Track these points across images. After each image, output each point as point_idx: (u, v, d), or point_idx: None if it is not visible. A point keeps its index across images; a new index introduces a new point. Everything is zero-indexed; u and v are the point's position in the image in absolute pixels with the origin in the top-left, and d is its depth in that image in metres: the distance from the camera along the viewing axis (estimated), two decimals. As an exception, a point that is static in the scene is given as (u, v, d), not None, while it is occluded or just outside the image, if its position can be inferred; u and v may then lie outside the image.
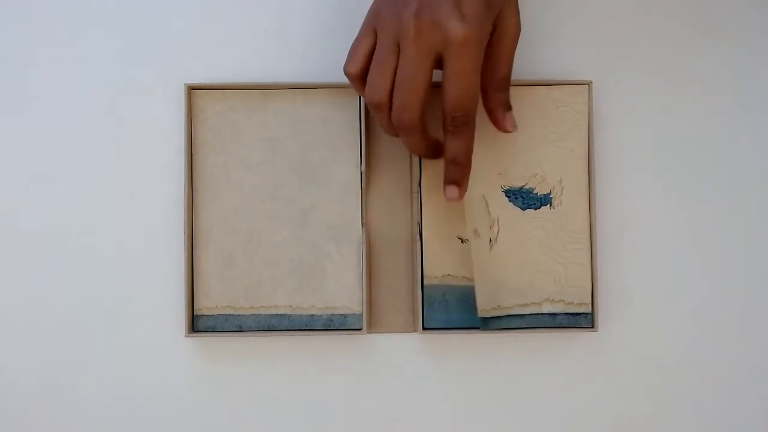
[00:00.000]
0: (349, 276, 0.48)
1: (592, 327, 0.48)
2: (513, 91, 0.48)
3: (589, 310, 0.48)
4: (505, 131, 0.45)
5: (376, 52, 0.41)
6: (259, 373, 0.49)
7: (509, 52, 0.43)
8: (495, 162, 0.49)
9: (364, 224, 0.49)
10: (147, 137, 0.50)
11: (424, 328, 0.48)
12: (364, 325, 0.47)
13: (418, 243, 0.48)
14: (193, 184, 0.48)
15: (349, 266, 0.48)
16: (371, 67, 0.42)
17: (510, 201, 0.49)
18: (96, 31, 0.50)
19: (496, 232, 0.48)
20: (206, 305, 0.48)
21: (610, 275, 0.50)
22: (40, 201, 0.49)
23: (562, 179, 0.49)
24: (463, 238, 0.48)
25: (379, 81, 0.41)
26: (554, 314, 0.48)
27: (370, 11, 0.43)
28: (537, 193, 0.49)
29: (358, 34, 0.43)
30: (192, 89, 0.49)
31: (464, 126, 0.41)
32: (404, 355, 0.49)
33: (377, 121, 0.43)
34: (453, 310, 0.48)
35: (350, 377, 0.49)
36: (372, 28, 0.42)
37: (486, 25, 0.39)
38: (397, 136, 0.43)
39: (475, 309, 0.47)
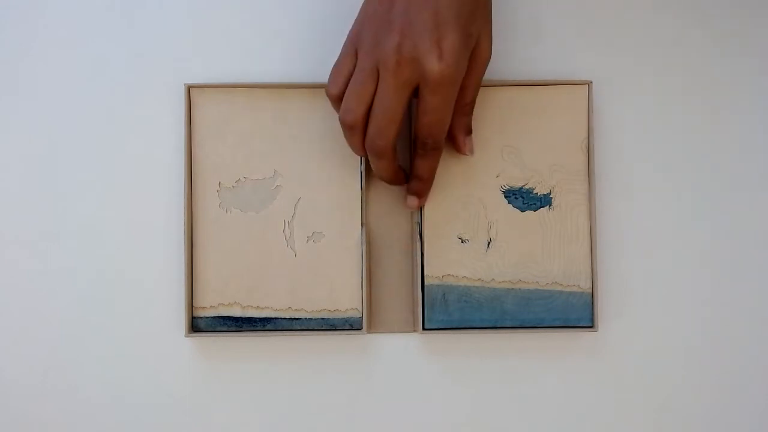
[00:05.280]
0: (349, 276, 0.48)
1: (592, 327, 0.48)
2: (513, 90, 0.49)
3: (589, 312, 0.48)
4: (463, 154, 0.47)
5: (354, 75, 0.42)
6: (259, 373, 0.49)
7: (477, 79, 0.43)
8: (493, 163, 0.49)
9: (364, 224, 0.49)
10: (147, 137, 0.50)
11: (424, 328, 0.48)
12: (364, 325, 0.47)
13: (418, 243, 0.48)
14: (192, 184, 0.48)
15: (349, 266, 0.48)
16: (348, 88, 0.42)
17: (509, 202, 0.49)
18: (96, 30, 0.50)
19: (494, 234, 0.48)
20: (206, 305, 0.48)
21: (610, 275, 0.50)
22: (40, 200, 0.49)
23: (561, 179, 0.49)
24: (463, 238, 0.48)
25: (354, 103, 0.42)
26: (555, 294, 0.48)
27: (352, 31, 0.43)
28: (537, 194, 0.49)
29: (340, 54, 0.43)
30: (192, 88, 0.49)
31: (433, 151, 0.43)
32: (404, 355, 0.49)
33: (347, 140, 0.44)
34: (453, 310, 0.48)
35: (350, 377, 0.49)
36: (354, 48, 0.42)
37: (462, 62, 0.41)
38: (365, 157, 0.45)
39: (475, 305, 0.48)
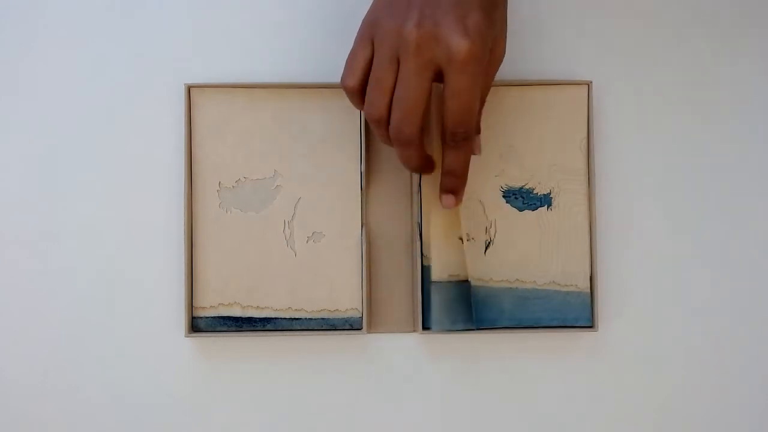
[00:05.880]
0: (349, 276, 0.48)
1: (592, 327, 0.48)
2: (513, 90, 0.49)
3: (587, 312, 0.48)
4: (472, 153, 0.44)
5: (374, 67, 0.40)
6: (259, 373, 0.49)
7: (490, 77, 0.42)
8: (493, 163, 0.49)
9: (364, 224, 0.49)
10: (147, 137, 0.50)
11: (424, 328, 0.48)
12: (364, 325, 0.47)
13: (418, 243, 0.48)
14: (192, 184, 0.48)
15: (349, 266, 0.48)
16: (370, 84, 0.40)
17: (508, 202, 0.49)
18: (96, 30, 0.50)
19: (493, 234, 0.48)
20: (206, 305, 0.48)
21: (609, 275, 0.50)
22: (40, 200, 0.49)
23: (561, 179, 0.49)
24: (464, 238, 0.48)
25: (378, 98, 0.40)
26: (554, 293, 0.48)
27: (365, 20, 0.41)
28: (536, 194, 0.49)
29: (354, 45, 0.41)
30: (192, 88, 0.49)
31: (464, 141, 0.41)
32: (404, 355, 0.49)
33: (376, 134, 0.42)
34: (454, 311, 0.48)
35: (350, 377, 0.49)
36: (369, 38, 0.40)
37: (488, 42, 0.39)
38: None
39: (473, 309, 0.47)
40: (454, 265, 0.47)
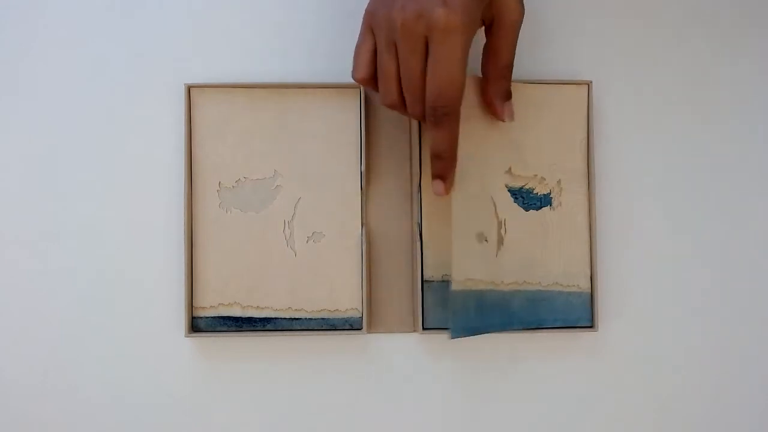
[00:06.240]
0: (349, 276, 0.48)
1: (592, 327, 0.48)
2: (513, 90, 0.48)
3: (588, 312, 0.48)
4: (502, 120, 0.45)
5: (378, 56, 0.42)
6: (259, 373, 0.49)
7: (510, 38, 0.42)
8: (500, 160, 0.48)
9: (364, 224, 0.49)
10: (147, 137, 0.50)
11: (424, 328, 0.48)
12: (364, 325, 0.47)
13: (418, 243, 0.48)
14: (192, 184, 0.48)
15: (349, 266, 0.48)
16: (378, 72, 0.42)
17: (515, 202, 0.48)
18: (96, 30, 0.50)
19: (503, 233, 0.48)
20: (206, 305, 0.48)
21: (610, 275, 0.50)
22: (40, 200, 0.49)
23: (561, 179, 0.49)
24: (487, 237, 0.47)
25: (385, 85, 0.42)
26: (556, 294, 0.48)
27: (366, 12, 0.43)
28: (537, 194, 0.49)
29: (359, 37, 0.43)
30: (192, 88, 0.49)
31: (446, 117, 0.40)
32: (404, 355, 0.49)
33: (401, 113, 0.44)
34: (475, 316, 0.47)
35: (350, 377, 0.49)
36: (369, 29, 0.42)
37: (473, 12, 0.39)
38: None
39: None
40: (470, 269, 0.46)
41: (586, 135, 0.49)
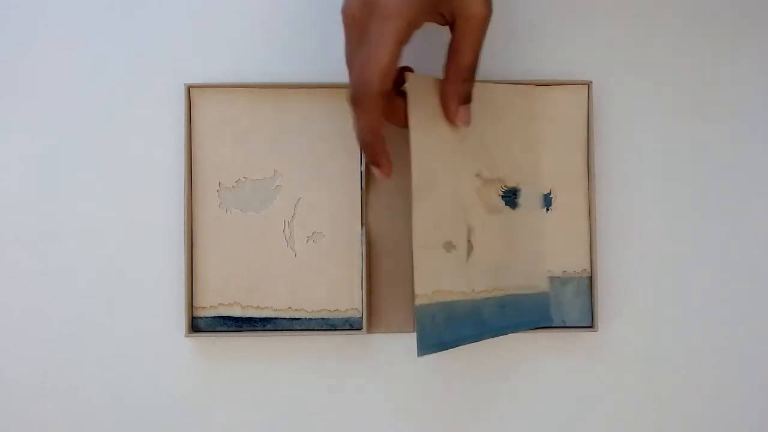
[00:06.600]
0: (349, 276, 0.48)
1: (592, 327, 0.48)
2: (513, 90, 0.48)
3: (588, 312, 0.48)
4: (454, 125, 0.43)
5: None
6: (259, 373, 0.49)
7: (471, 36, 0.39)
8: (472, 163, 0.46)
9: (364, 224, 0.49)
10: (147, 137, 0.50)
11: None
12: (364, 325, 0.47)
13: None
14: (192, 184, 0.48)
15: (349, 266, 0.48)
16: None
17: (507, 204, 0.48)
18: (96, 30, 0.50)
19: (475, 239, 0.45)
20: (206, 305, 0.48)
21: (610, 275, 0.50)
22: (40, 200, 0.49)
23: (561, 180, 0.49)
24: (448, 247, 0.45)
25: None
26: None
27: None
28: (536, 194, 0.49)
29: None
30: (192, 88, 0.49)
31: (362, 100, 0.38)
32: (404, 355, 0.49)
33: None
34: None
35: (350, 377, 0.49)
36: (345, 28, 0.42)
37: (414, 2, 0.37)
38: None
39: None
40: (438, 281, 0.43)
41: (586, 135, 0.49)
